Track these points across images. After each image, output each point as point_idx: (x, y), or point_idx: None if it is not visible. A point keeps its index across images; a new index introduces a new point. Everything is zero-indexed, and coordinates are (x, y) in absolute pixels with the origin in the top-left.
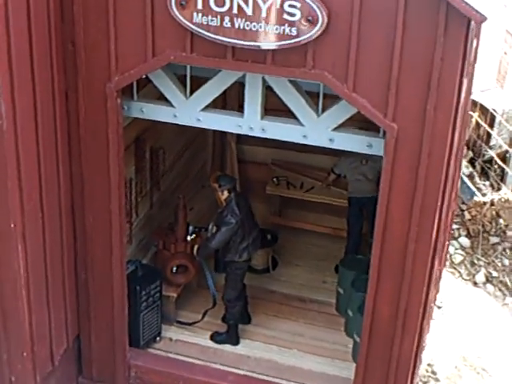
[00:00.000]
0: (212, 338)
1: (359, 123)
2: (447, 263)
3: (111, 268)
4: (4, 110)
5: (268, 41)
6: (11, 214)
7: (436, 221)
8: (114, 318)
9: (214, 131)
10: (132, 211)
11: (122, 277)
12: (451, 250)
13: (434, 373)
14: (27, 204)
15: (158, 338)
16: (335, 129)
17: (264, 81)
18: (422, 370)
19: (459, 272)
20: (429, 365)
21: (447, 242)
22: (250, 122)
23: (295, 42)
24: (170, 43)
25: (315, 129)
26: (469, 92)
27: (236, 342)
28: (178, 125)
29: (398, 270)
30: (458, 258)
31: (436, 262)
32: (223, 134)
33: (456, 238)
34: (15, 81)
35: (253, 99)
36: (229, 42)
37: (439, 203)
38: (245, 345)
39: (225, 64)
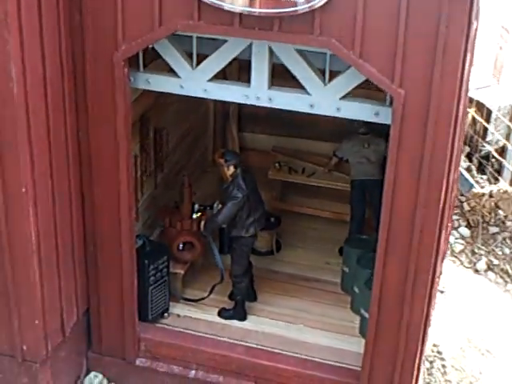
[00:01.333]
0: (220, 314)
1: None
2: (448, 252)
3: (120, 241)
4: (15, 74)
5: (275, 7)
6: (22, 178)
7: (444, 188)
8: (124, 292)
9: (215, 117)
10: (137, 189)
11: (131, 250)
12: (451, 239)
13: (439, 353)
14: (38, 169)
15: (166, 314)
16: (342, 98)
17: (271, 50)
18: (428, 350)
19: (460, 260)
20: (434, 345)
21: (449, 223)
22: (257, 92)
23: (301, 10)
24: (176, 11)
25: (322, 98)
26: (470, 68)
27: (243, 318)
28: (180, 107)
29: (407, 239)
30: (458, 247)
31: (443, 234)
32: (224, 119)
33: (456, 228)
34: (25, 47)
35: (260, 69)
36: (235, 9)
37: (446, 171)
38: (252, 320)
39: (232, 31)
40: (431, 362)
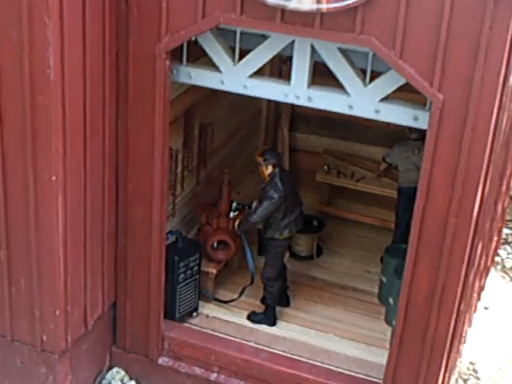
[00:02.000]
0: (249, 317)
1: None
2: (498, 267)
3: (150, 235)
4: (52, 61)
5: (316, 3)
6: (53, 166)
7: (478, 197)
8: (151, 288)
9: (268, 117)
10: (177, 184)
11: (160, 245)
12: (503, 254)
13: (475, 371)
14: (70, 158)
15: (194, 314)
16: (382, 100)
17: (313, 48)
18: (463, 367)
19: (510, 277)
20: (471, 363)
21: (495, 237)
22: (297, 91)
23: (344, 6)
24: (219, 5)
25: (362, 99)
26: None
27: (273, 323)
28: (230, 104)
29: (437, 247)
30: (510, 263)
31: (478, 245)
32: (276, 120)
33: (509, 243)
34: (66, 34)
35: (300, 67)
36: (277, 4)
37: (482, 179)
38: (281, 326)
39: (273, 27)
40: (465, 380)
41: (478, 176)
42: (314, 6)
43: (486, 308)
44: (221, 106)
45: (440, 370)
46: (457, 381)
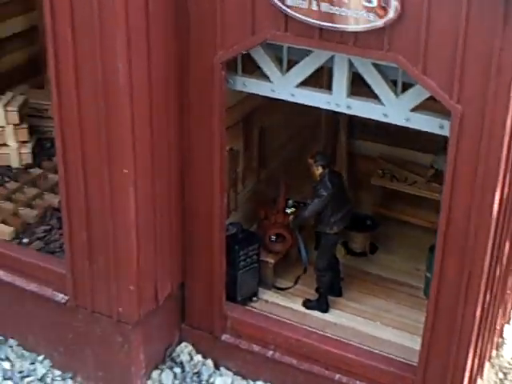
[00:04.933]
0: (304, 304)
1: None
2: None
3: (212, 225)
4: (121, 69)
5: (348, 24)
6: (125, 161)
7: (496, 201)
8: (214, 273)
9: (327, 123)
10: (238, 182)
11: (221, 234)
12: None
13: None
14: (139, 153)
15: (254, 298)
16: (412, 109)
17: (350, 62)
18: (504, 361)
19: None
20: None
21: None
22: (337, 99)
23: (372, 27)
24: (267, 23)
25: (394, 108)
26: None
27: (325, 310)
28: (289, 110)
29: (462, 241)
30: None
31: (505, 242)
32: (336, 126)
33: None
34: (132, 44)
35: (340, 79)
36: (315, 24)
37: (500, 179)
38: (333, 313)
39: (313, 43)
40: (505, 374)
41: (495, 176)
42: (324, 24)
43: None
44: (280, 112)
45: (468, 354)
46: (497, 373)
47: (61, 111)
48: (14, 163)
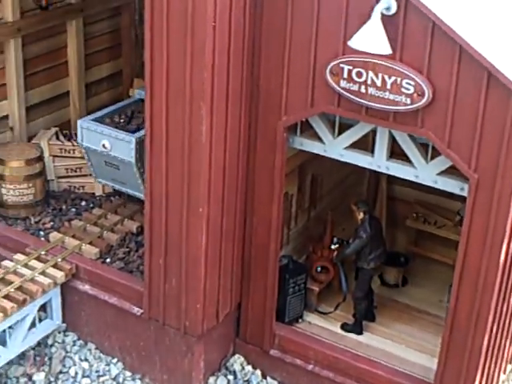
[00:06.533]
0: (342, 326)
1: None
2: None
3: (268, 257)
4: (204, 131)
5: (389, 105)
6: (201, 201)
7: (503, 251)
8: (267, 297)
9: (371, 171)
10: (291, 220)
11: (274, 265)
12: None
13: None
14: (213, 195)
15: (300, 320)
16: (438, 174)
17: (390, 132)
18: None
19: None
20: None
21: None
22: (378, 162)
23: (408, 108)
24: (323, 99)
25: (424, 171)
26: None
27: (360, 333)
28: (336, 161)
29: (474, 281)
30: None
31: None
32: (377, 173)
33: None
34: (214, 111)
35: (381, 145)
36: (363, 103)
37: (507, 236)
38: (366, 336)
39: (360, 117)
40: None
41: (503, 230)
42: (373, 104)
43: None
44: (329, 162)
45: (476, 373)
46: None
47: (152, 159)
48: (98, 191)
